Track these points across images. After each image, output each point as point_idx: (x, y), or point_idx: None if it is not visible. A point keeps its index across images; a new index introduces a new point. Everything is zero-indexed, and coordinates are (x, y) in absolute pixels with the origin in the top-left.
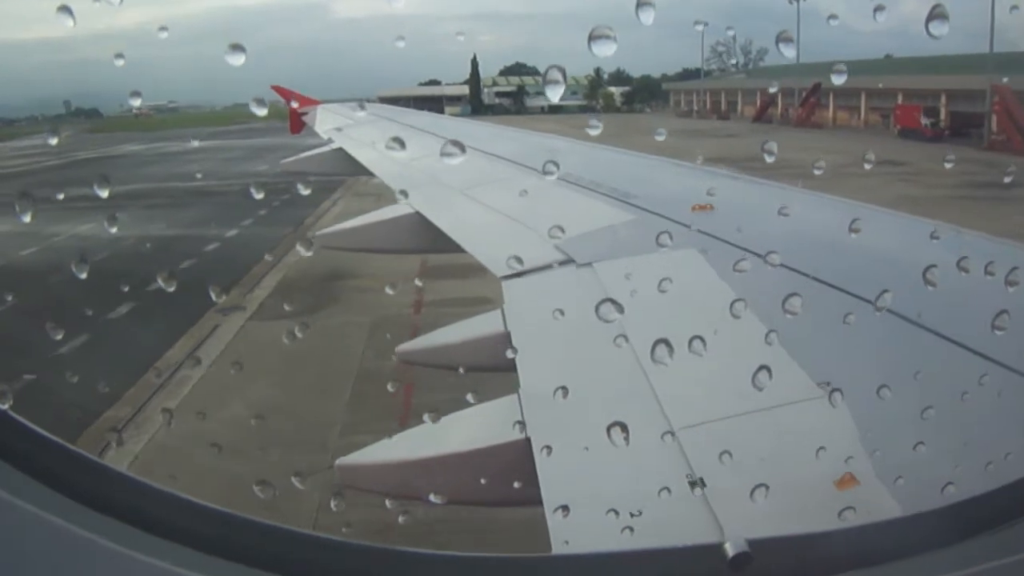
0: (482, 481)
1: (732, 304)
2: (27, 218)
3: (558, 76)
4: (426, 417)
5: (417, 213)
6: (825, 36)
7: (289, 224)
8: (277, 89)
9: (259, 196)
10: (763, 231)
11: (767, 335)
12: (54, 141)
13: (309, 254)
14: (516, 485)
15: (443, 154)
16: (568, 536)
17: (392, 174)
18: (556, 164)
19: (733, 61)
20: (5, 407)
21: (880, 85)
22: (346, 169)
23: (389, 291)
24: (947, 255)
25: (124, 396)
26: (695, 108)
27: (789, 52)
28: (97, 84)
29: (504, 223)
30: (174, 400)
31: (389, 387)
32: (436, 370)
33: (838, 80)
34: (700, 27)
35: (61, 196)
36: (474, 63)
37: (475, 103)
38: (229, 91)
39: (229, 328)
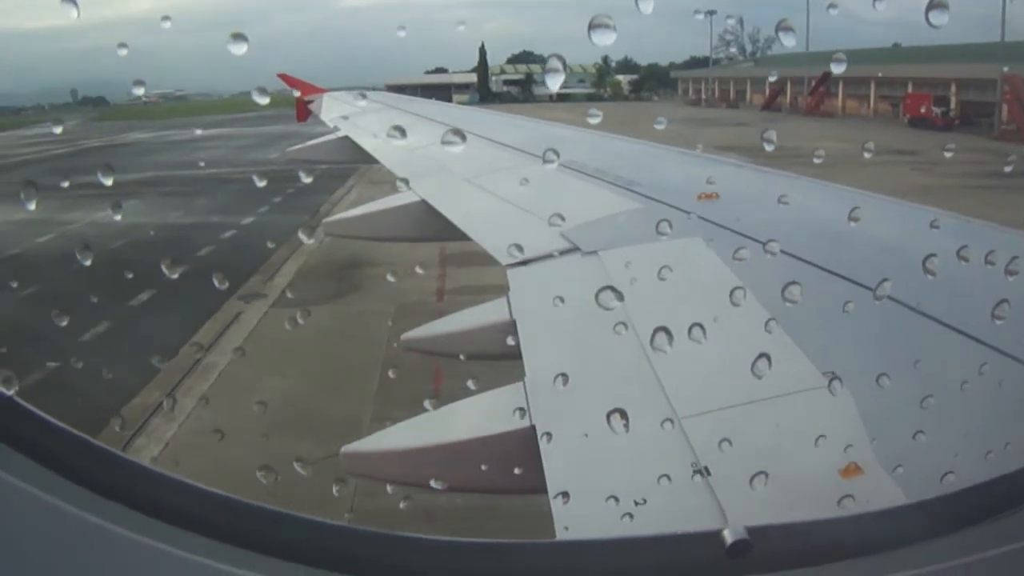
0: (488, 469)
1: (736, 292)
2: (32, 206)
3: (558, 65)
4: (427, 403)
5: (423, 201)
6: (835, 24)
7: (305, 211)
8: (283, 77)
9: (266, 184)
10: (769, 220)
11: (767, 323)
12: (58, 130)
13: (311, 241)
14: (521, 472)
15: (444, 142)
16: (570, 523)
17: (398, 162)
18: (556, 153)
19: (732, 49)
20: (10, 393)
21: (880, 74)
22: (352, 157)
23: (418, 270)
24: (955, 244)
25: (141, 391)
26: (703, 96)
27: (789, 41)
28: (104, 72)
29: (510, 211)
30: (204, 384)
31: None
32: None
33: (838, 69)
34: (700, 16)
35: (67, 184)
36: (482, 51)
37: (483, 91)
38: (236, 79)
39: (252, 315)
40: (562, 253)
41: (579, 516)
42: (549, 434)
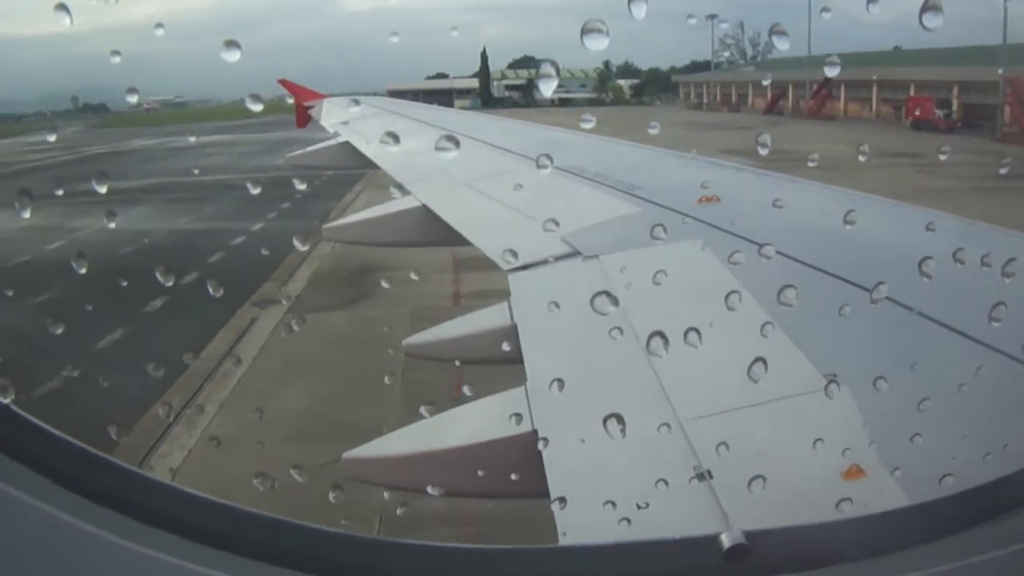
0: (490, 473)
1: (738, 295)
2: (27, 215)
3: (551, 71)
4: (423, 410)
5: (423, 206)
6: (837, 27)
7: (314, 217)
8: (283, 83)
9: (275, 190)
10: (770, 222)
11: (763, 327)
12: (52, 138)
13: (305, 248)
14: (523, 478)
15: (437, 149)
16: (570, 528)
17: (397, 168)
18: (550, 158)
19: (726, 55)
20: (7, 401)
21: (875, 77)
22: (352, 163)
23: (439, 277)
24: (956, 245)
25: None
26: (705, 100)
27: (783, 45)
28: (105, 79)
29: (510, 216)
30: (224, 391)
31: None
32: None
33: (831, 72)
34: (693, 21)
35: (61, 193)
36: (483, 56)
37: (485, 96)
38: (238, 85)
39: (268, 321)
40: (563, 257)
41: (580, 520)
42: (551, 439)
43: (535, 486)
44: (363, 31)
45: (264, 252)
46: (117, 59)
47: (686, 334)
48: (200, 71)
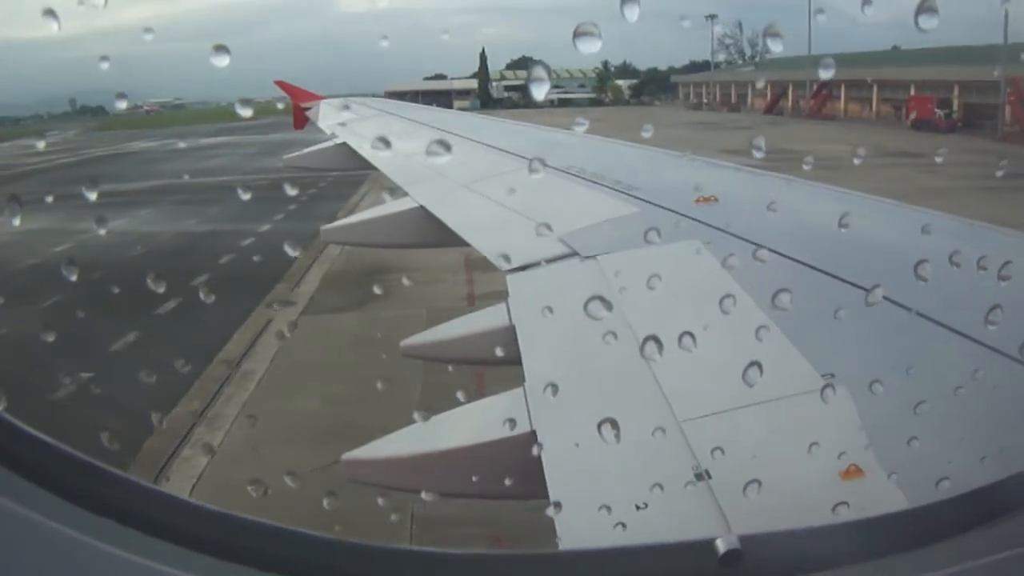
0: (488, 475)
1: (737, 295)
2: (16, 221)
3: (543, 74)
4: (416, 415)
5: (421, 207)
6: (837, 28)
7: (322, 219)
8: (280, 84)
9: (280, 191)
10: (767, 223)
11: (757, 330)
12: (41, 145)
13: (296, 254)
14: (523, 479)
15: (428, 153)
16: (567, 532)
17: (395, 169)
18: (543, 162)
19: (721, 57)
20: None
21: (869, 79)
22: (350, 164)
23: (452, 278)
24: (955, 245)
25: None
26: (704, 100)
27: (778, 47)
28: (103, 82)
29: (508, 217)
30: (244, 393)
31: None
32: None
33: (825, 74)
34: (687, 23)
35: (88, 191)
36: (482, 57)
37: (483, 97)
38: (237, 88)
39: (283, 322)
40: (561, 258)
41: (578, 525)
42: (549, 440)
43: (535, 487)
44: (362, 32)
45: (273, 254)
46: (106, 65)
47: (685, 335)
48: (198, 73)
